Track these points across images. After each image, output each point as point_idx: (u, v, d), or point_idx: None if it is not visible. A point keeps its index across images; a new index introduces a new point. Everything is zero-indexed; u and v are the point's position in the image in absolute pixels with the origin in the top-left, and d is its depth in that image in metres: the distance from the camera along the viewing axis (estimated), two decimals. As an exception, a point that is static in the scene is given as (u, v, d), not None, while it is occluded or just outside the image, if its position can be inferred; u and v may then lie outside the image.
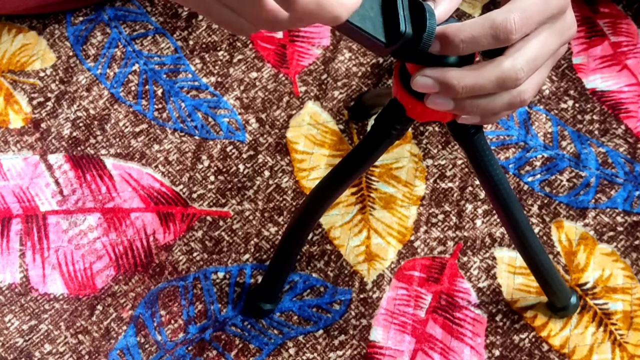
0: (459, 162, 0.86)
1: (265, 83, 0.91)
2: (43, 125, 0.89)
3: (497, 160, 0.66)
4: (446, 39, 0.56)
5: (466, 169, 0.86)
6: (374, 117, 0.69)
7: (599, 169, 0.86)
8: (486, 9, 0.94)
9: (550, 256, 0.81)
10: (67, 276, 0.82)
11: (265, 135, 0.88)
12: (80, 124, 0.89)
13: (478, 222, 0.84)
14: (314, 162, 0.87)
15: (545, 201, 0.84)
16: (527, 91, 0.59)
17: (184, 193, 0.85)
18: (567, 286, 0.78)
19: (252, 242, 0.83)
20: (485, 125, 0.86)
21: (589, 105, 0.89)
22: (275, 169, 0.86)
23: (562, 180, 0.85)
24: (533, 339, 0.79)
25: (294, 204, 0.85)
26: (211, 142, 0.88)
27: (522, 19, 0.56)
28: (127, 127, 0.89)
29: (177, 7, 0.95)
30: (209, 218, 0.84)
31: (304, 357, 0.78)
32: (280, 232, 0.83)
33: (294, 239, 0.74)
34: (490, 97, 0.58)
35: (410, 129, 0.88)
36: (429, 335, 0.79)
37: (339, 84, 0.91)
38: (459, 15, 0.94)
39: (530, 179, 0.85)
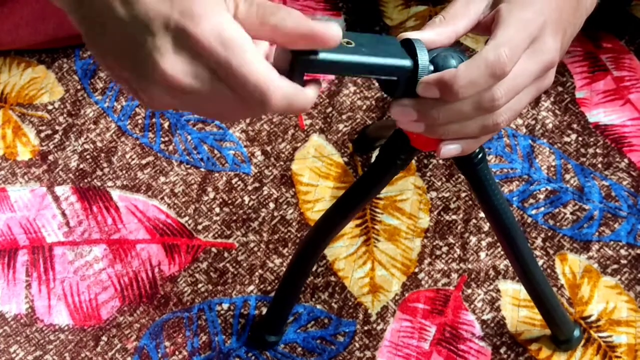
0: (463, 194, 0.87)
1: (270, 116, 0.92)
2: (50, 157, 0.90)
3: (500, 190, 0.66)
4: (445, 86, 0.56)
5: (470, 202, 0.86)
6: (378, 149, 0.70)
7: (602, 202, 0.86)
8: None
9: (554, 289, 0.81)
10: (72, 307, 0.82)
11: (270, 168, 0.89)
12: (88, 156, 0.90)
13: (482, 254, 0.84)
14: (319, 194, 0.87)
15: (549, 234, 0.85)
16: (501, 115, 0.59)
17: (189, 225, 0.86)
18: (570, 319, 0.78)
19: (257, 274, 0.83)
20: (487, 156, 0.87)
21: (592, 139, 0.90)
22: (280, 201, 0.87)
23: (565, 213, 0.86)
24: (537, 372, 0.79)
25: (299, 235, 0.85)
26: (217, 174, 0.89)
27: (511, 50, 0.57)
28: (133, 159, 0.90)
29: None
30: (214, 249, 0.85)
31: (308, 389, 0.78)
32: (284, 264, 0.84)
33: (299, 270, 0.75)
34: (464, 121, 0.59)
35: (414, 161, 0.88)
36: (433, 367, 0.79)
37: (344, 117, 0.91)
38: (463, 49, 0.95)
39: (534, 212, 0.86)
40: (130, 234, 0.85)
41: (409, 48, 0.56)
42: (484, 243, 0.84)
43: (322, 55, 0.52)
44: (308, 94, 0.54)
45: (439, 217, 0.86)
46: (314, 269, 0.83)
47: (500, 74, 0.56)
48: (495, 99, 0.57)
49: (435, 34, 0.59)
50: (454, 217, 0.86)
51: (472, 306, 0.81)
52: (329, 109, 0.92)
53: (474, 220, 0.86)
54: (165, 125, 0.92)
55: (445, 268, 0.83)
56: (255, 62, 0.50)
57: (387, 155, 0.63)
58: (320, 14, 0.99)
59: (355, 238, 0.85)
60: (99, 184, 0.88)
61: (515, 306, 0.81)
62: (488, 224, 0.85)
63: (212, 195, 0.87)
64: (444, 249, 0.84)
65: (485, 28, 0.60)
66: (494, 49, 0.56)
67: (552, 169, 0.88)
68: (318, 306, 0.82)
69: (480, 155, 0.63)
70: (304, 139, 0.90)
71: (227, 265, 0.84)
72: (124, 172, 0.89)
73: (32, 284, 0.83)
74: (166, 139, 0.91)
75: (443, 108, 0.57)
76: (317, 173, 0.88)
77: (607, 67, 0.95)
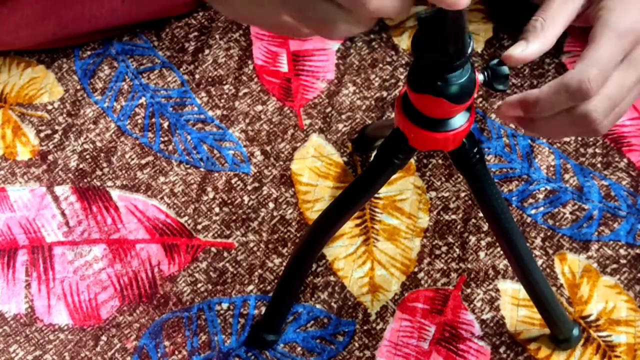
0: (462, 194, 0.87)
1: (270, 116, 0.92)
2: (50, 157, 0.90)
3: (499, 190, 0.66)
4: (527, 107, 0.59)
5: (469, 201, 0.86)
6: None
7: (601, 202, 0.86)
8: (489, 43, 0.95)
9: (554, 288, 0.81)
10: (72, 307, 0.82)
11: (270, 168, 0.89)
12: (87, 156, 0.90)
13: (481, 254, 0.84)
14: (318, 194, 0.87)
15: (549, 234, 0.85)
16: (602, 124, 0.60)
17: (189, 224, 0.86)
18: (569, 318, 0.78)
19: (256, 274, 0.83)
20: (487, 156, 0.87)
21: (591, 139, 0.90)
22: (280, 200, 0.87)
23: (565, 213, 0.86)
24: (537, 371, 0.79)
25: (298, 235, 0.85)
26: (216, 174, 0.89)
27: (597, 75, 0.57)
28: (133, 159, 0.90)
29: (183, 42, 0.97)
30: (213, 249, 0.85)
31: (308, 388, 0.78)
32: (284, 264, 0.84)
33: (298, 269, 0.75)
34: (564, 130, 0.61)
35: (413, 161, 0.88)
36: (433, 367, 0.79)
37: (343, 117, 0.92)
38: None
39: (533, 212, 0.86)
40: (130, 234, 0.85)
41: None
42: (483, 243, 0.84)
43: None
44: None
45: (439, 216, 0.86)
46: (313, 268, 0.83)
47: (583, 99, 0.57)
48: (593, 121, 0.58)
49: (539, 44, 0.58)
50: (453, 216, 0.86)
51: (472, 306, 0.81)
52: (329, 109, 0.92)
53: (473, 220, 0.86)
54: (165, 125, 0.92)
55: (445, 268, 0.83)
56: None
57: (385, 154, 0.63)
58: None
59: (354, 238, 0.85)
60: (98, 183, 0.88)
61: (515, 306, 0.81)
62: (487, 222, 0.85)
63: (211, 195, 0.88)
64: (444, 248, 0.84)
65: (585, 20, 0.60)
66: (579, 74, 0.56)
67: (551, 168, 0.88)
68: (317, 306, 0.82)
69: (478, 155, 0.63)
70: (303, 139, 0.90)
71: (227, 265, 0.84)
72: (123, 172, 0.89)
73: (31, 283, 0.83)
74: (166, 138, 0.91)
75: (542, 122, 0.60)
76: (317, 173, 0.88)
77: (607, 67, 0.95)
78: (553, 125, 0.60)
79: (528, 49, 0.58)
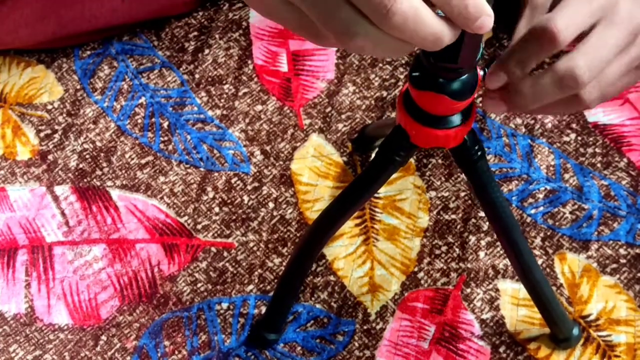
0: (462, 194, 0.87)
1: (270, 116, 0.92)
2: (50, 157, 0.90)
3: (499, 187, 0.66)
4: (506, 67, 0.59)
5: (469, 201, 0.86)
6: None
7: (601, 202, 0.86)
8: (489, 43, 0.95)
9: (554, 288, 0.81)
10: (72, 306, 0.82)
11: (269, 167, 0.89)
12: (87, 156, 0.90)
13: (481, 253, 0.84)
14: (318, 194, 0.87)
15: (548, 233, 0.85)
16: (590, 93, 0.59)
17: (188, 224, 0.86)
18: (569, 317, 0.78)
19: (256, 273, 0.83)
20: (488, 155, 0.87)
21: (591, 139, 0.90)
22: (280, 200, 0.87)
23: (564, 213, 0.86)
24: (537, 370, 0.79)
25: (298, 235, 0.85)
26: (216, 174, 0.89)
27: (563, 22, 0.56)
28: (133, 159, 0.90)
29: (183, 42, 0.97)
30: (213, 249, 0.85)
31: (308, 388, 0.78)
32: (284, 263, 0.84)
33: (298, 268, 0.75)
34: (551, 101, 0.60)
35: (413, 160, 0.88)
36: (433, 366, 0.79)
37: (343, 116, 0.92)
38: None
39: (533, 211, 0.86)
40: (130, 234, 0.85)
41: None
42: (483, 242, 0.84)
43: None
44: (437, 23, 0.45)
45: (438, 216, 0.86)
46: (313, 268, 0.83)
47: (552, 44, 0.56)
48: (576, 76, 0.57)
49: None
50: (453, 216, 0.86)
51: (472, 305, 0.81)
52: (328, 109, 0.92)
53: (473, 220, 0.86)
54: (165, 125, 0.92)
55: (445, 267, 0.83)
56: None
57: (387, 152, 0.63)
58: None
59: (354, 237, 0.85)
60: (98, 183, 0.88)
61: (515, 305, 0.81)
62: (487, 223, 0.85)
63: (211, 194, 0.88)
64: (443, 248, 0.84)
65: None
66: (545, 20, 0.56)
67: (551, 168, 0.88)
68: (317, 305, 0.82)
69: (479, 153, 0.63)
70: (303, 139, 0.90)
71: (227, 264, 0.84)
72: (123, 171, 0.89)
73: (31, 283, 0.83)
74: (165, 138, 0.91)
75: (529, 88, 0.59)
76: (317, 172, 0.88)
77: (606, 67, 0.95)
78: (538, 91, 0.59)
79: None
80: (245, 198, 0.87)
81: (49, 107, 0.93)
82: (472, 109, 0.60)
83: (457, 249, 0.84)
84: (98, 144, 0.91)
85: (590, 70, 0.57)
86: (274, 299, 0.78)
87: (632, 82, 0.61)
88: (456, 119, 0.59)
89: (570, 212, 0.86)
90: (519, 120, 0.91)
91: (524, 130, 0.90)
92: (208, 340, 0.80)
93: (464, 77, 0.55)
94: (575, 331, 0.78)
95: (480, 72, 0.58)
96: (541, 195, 0.87)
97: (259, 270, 0.84)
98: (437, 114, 0.59)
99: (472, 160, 0.63)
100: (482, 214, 0.85)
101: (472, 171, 0.64)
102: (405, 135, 0.61)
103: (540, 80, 0.58)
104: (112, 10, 0.92)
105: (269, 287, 0.83)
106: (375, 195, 0.86)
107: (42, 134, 0.91)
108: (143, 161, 0.90)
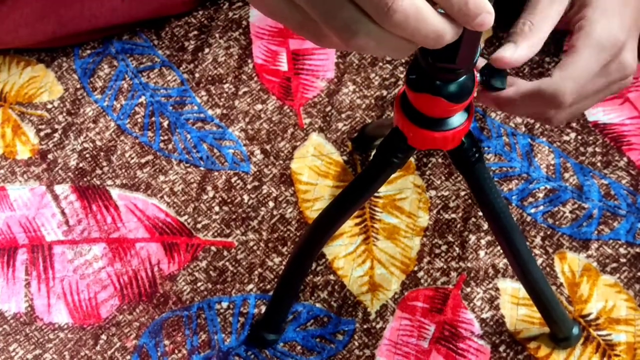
0: (462, 193, 0.87)
1: (270, 115, 0.92)
2: (50, 156, 0.90)
3: (498, 188, 0.66)
4: (500, 104, 0.62)
5: (469, 200, 0.86)
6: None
7: (601, 201, 0.86)
8: (489, 43, 0.95)
9: (554, 287, 0.81)
10: (71, 306, 0.82)
11: (269, 167, 0.89)
12: (87, 155, 0.90)
13: (481, 253, 0.84)
14: (318, 193, 0.87)
15: (548, 232, 0.85)
16: (563, 119, 0.63)
17: (188, 223, 0.86)
18: (569, 317, 0.78)
19: (256, 272, 0.84)
20: (486, 155, 0.87)
21: (591, 138, 0.90)
22: (280, 199, 0.87)
23: (564, 212, 0.86)
24: (536, 370, 0.79)
25: (298, 234, 0.85)
26: (216, 173, 0.89)
27: (573, 89, 0.59)
28: (133, 158, 0.90)
29: (183, 41, 0.97)
30: (213, 248, 0.85)
31: (307, 387, 0.78)
32: (284, 263, 0.84)
33: (298, 267, 0.75)
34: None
35: (413, 160, 0.88)
36: (432, 366, 0.79)
37: (343, 116, 0.91)
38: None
39: (533, 211, 0.86)
40: (130, 233, 0.85)
41: None
42: (483, 242, 0.84)
43: None
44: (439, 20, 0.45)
45: (438, 215, 0.86)
46: (313, 267, 0.83)
47: (556, 108, 0.58)
48: (562, 102, 0.60)
49: (528, 47, 0.58)
50: (453, 215, 0.86)
51: (471, 305, 0.81)
52: (328, 108, 0.92)
53: (473, 219, 0.86)
54: (165, 124, 0.92)
55: (445, 266, 0.83)
56: None
57: (385, 154, 0.63)
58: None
59: (354, 237, 0.85)
60: (98, 182, 0.88)
61: (515, 304, 0.81)
62: (486, 221, 0.85)
63: (211, 194, 0.88)
64: (443, 247, 0.84)
65: (565, 24, 0.60)
66: (556, 84, 0.57)
67: (551, 167, 0.88)
68: (317, 305, 0.82)
69: (477, 154, 0.63)
70: (303, 138, 0.90)
71: (227, 263, 0.84)
72: (123, 170, 0.89)
73: (31, 282, 0.83)
74: (165, 137, 0.91)
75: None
76: (317, 172, 0.88)
77: (607, 66, 0.95)
78: (523, 105, 0.63)
79: (517, 52, 0.57)
80: (245, 197, 0.87)
81: (49, 106, 0.93)
82: (470, 111, 0.60)
83: (457, 248, 0.84)
84: (98, 143, 0.91)
85: (573, 95, 0.59)
86: (273, 298, 0.78)
87: (600, 101, 0.65)
88: (454, 121, 0.59)
89: (570, 211, 0.86)
90: (519, 120, 0.91)
91: (524, 129, 0.90)
92: (208, 340, 0.80)
93: (461, 79, 0.55)
94: (575, 330, 0.78)
95: (478, 75, 0.58)
96: (541, 195, 0.87)
97: (259, 270, 0.84)
98: (434, 116, 0.59)
99: (470, 162, 0.63)
100: (481, 213, 0.85)
101: (470, 173, 0.64)
102: (402, 137, 0.61)
103: (526, 94, 0.60)
104: (112, 9, 0.92)
105: (269, 287, 0.83)
106: (375, 194, 0.86)
107: (42, 133, 0.91)
108: (143, 160, 0.90)
